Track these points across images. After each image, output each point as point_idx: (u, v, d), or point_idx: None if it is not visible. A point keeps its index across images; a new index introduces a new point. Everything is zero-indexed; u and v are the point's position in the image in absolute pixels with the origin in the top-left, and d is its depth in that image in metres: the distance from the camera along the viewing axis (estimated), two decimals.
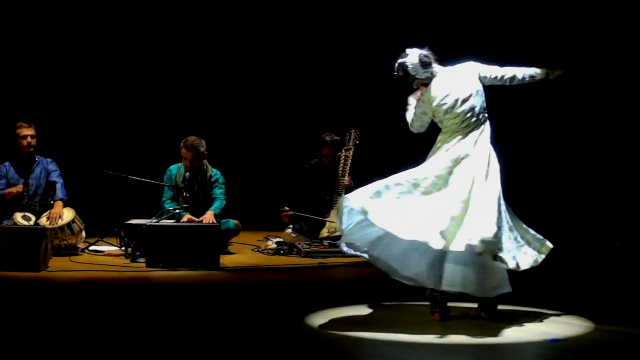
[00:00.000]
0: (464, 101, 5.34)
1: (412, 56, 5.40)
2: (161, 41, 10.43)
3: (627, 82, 8.53)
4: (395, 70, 5.45)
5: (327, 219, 8.34)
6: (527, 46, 8.39)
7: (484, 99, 5.42)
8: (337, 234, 8.28)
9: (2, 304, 5.78)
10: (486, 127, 5.39)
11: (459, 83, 5.39)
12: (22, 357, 4.47)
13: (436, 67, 5.44)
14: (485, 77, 5.46)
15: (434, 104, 5.39)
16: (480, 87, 5.42)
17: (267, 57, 10.64)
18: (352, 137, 8.46)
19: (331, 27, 10.34)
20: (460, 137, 5.34)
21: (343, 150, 8.45)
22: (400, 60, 5.43)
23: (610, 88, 8.62)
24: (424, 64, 5.39)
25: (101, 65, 10.31)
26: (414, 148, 5.68)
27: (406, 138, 5.93)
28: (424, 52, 5.42)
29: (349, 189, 8.38)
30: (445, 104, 5.35)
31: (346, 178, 8.33)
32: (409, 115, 5.54)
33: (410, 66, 5.39)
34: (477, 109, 5.36)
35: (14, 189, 7.76)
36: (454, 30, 9.02)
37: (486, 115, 5.42)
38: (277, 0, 10.54)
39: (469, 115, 5.33)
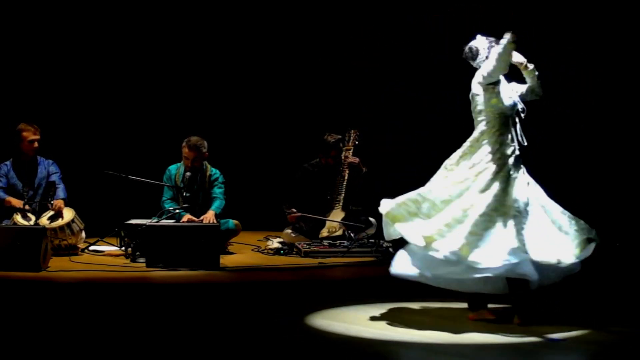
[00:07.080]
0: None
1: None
2: (161, 42, 10.41)
3: (627, 82, 8.52)
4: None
5: (327, 218, 8.34)
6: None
7: (476, 103, 5.38)
8: (337, 233, 8.28)
9: (2, 304, 5.78)
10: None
11: None
12: (22, 357, 4.47)
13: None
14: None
15: None
16: (474, 91, 5.39)
17: (267, 57, 10.63)
18: (352, 137, 8.45)
19: (332, 28, 10.33)
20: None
21: (343, 150, 8.45)
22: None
23: (610, 88, 8.61)
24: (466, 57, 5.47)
25: (101, 65, 10.29)
26: (413, 148, 5.67)
27: (405, 138, 5.92)
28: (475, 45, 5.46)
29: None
30: None
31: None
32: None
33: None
34: (473, 112, 5.38)
35: (14, 202, 7.66)
36: (453, 30, 9.02)
37: (479, 118, 5.36)
38: (278, 1, 10.53)
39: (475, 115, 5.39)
